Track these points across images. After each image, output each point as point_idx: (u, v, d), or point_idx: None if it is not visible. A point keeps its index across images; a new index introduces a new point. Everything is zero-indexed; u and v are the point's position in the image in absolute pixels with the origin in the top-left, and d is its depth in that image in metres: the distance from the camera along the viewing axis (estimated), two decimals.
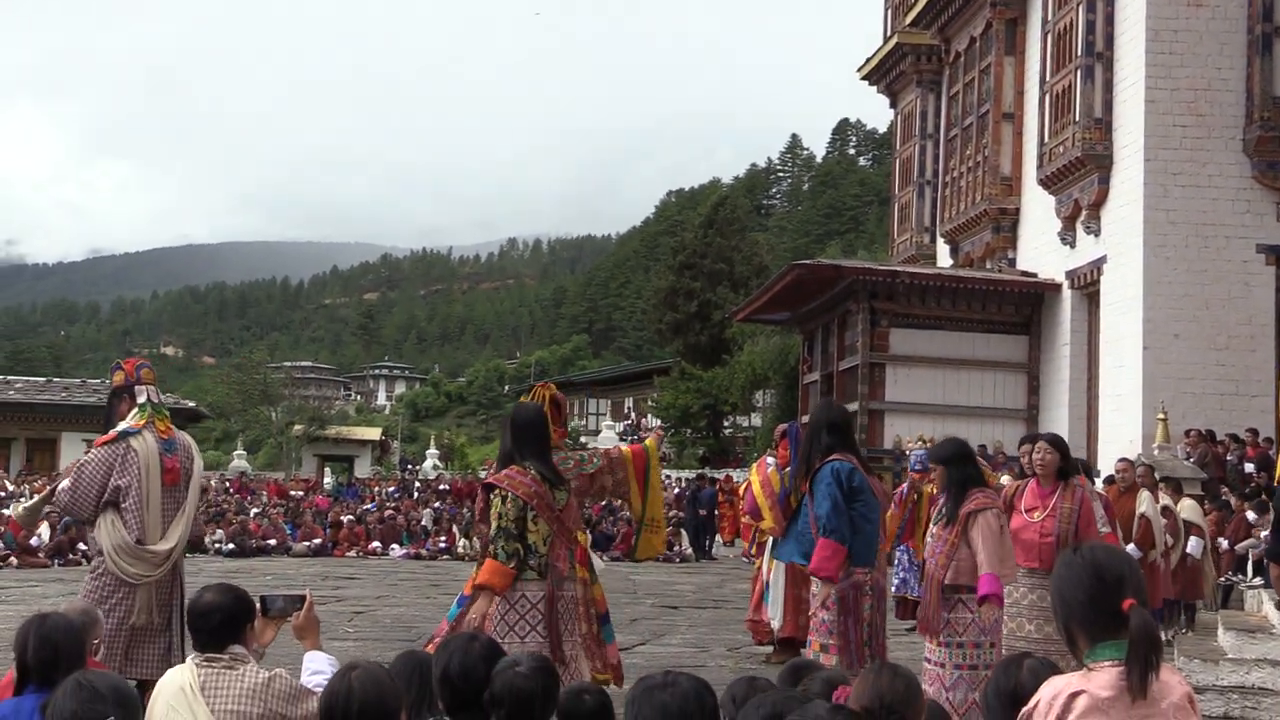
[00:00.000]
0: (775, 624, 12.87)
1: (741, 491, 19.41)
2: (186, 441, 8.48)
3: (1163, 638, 3.86)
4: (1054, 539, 8.59)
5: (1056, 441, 9.12)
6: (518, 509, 7.06)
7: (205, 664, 4.82)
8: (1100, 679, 3.57)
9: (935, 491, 8.85)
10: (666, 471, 50.95)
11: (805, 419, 32.25)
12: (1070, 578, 3.72)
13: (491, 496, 7.21)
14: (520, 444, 7.30)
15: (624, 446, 9.12)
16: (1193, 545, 14.73)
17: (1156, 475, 15.85)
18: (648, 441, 9.09)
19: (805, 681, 4.62)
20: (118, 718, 3.72)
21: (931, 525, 8.37)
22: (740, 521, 17.06)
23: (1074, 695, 3.57)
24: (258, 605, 5.38)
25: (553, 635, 7.17)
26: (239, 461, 62.30)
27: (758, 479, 13.09)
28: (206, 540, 30.01)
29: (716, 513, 32.61)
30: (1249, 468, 20.18)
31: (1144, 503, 14.00)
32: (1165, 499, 14.76)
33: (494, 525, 7.11)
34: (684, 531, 32.27)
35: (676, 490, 40.53)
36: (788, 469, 13.46)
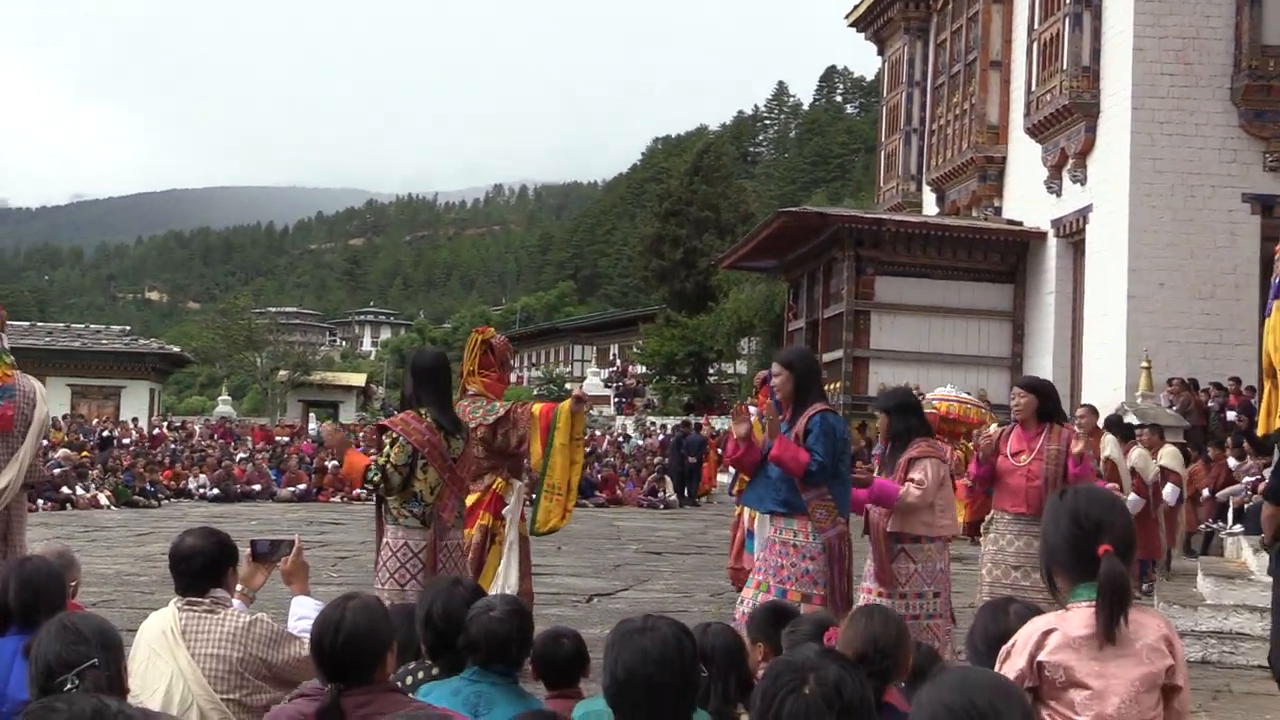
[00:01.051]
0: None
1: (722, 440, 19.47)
2: (29, 387, 8.25)
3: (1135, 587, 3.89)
4: (1041, 482, 8.58)
5: (1032, 384, 9.11)
6: (406, 455, 6.93)
7: (187, 608, 4.84)
8: (1075, 618, 3.62)
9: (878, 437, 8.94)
10: (653, 419, 51.03)
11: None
12: (1051, 521, 3.77)
13: (383, 438, 7.09)
14: (420, 389, 7.17)
15: (536, 405, 9.00)
16: (1168, 492, 14.75)
17: (1100, 423, 15.79)
18: (563, 404, 9.01)
19: (793, 624, 4.65)
20: (101, 660, 3.72)
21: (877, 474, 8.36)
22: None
23: (1047, 633, 3.64)
24: (247, 549, 5.40)
25: None
26: (224, 407, 62.25)
27: None
28: (191, 484, 30.08)
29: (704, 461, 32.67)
30: (1230, 415, 20.26)
31: (1108, 446, 14.00)
32: (1137, 455, 14.64)
33: (378, 460, 6.99)
34: (668, 478, 32.37)
35: (661, 437, 40.64)
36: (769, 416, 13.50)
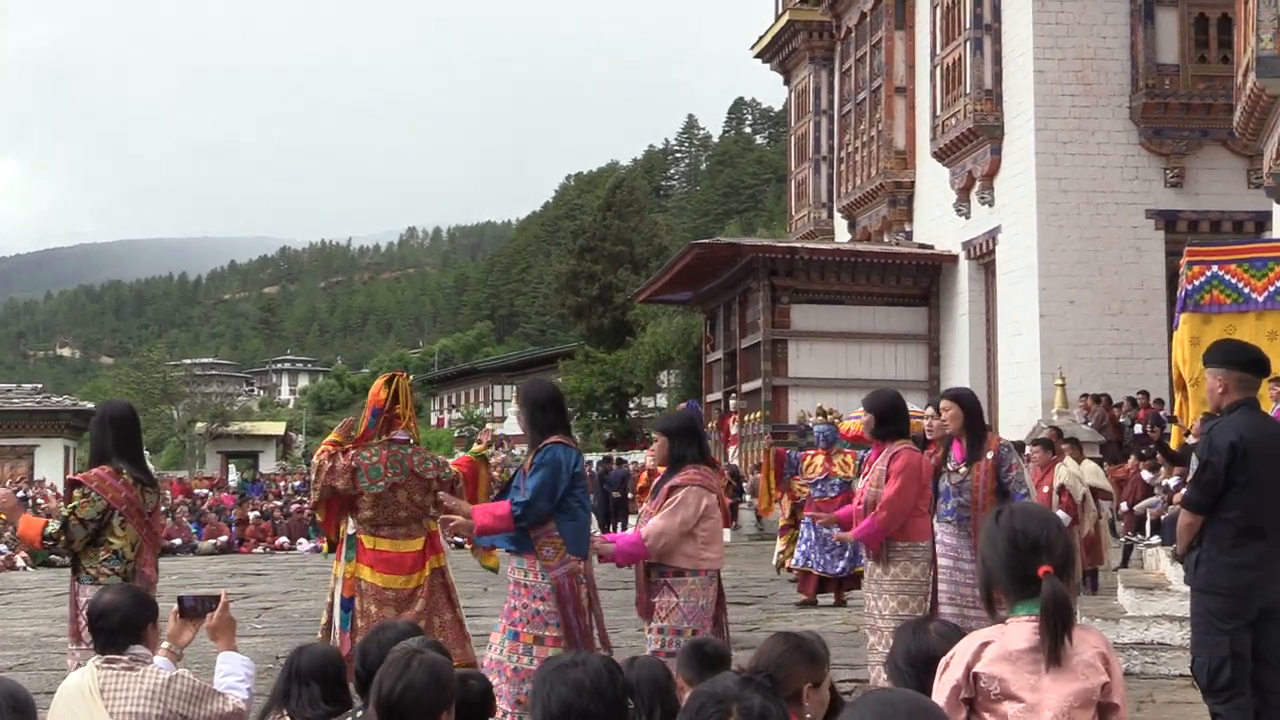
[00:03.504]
0: None
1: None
2: None
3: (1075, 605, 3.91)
4: (863, 505, 8.34)
5: (869, 403, 8.61)
6: (95, 510, 6.78)
7: (105, 665, 4.78)
8: (1015, 633, 3.65)
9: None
10: None
11: (696, 401, 32.40)
12: (989, 543, 3.78)
13: (75, 493, 6.91)
14: (114, 442, 7.00)
15: (453, 462, 8.77)
16: (1106, 508, 14.91)
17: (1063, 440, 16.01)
18: (474, 448, 8.93)
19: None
20: None
21: (646, 502, 8.06)
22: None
23: (984, 644, 3.65)
24: (175, 606, 5.33)
25: None
26: None
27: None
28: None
29: (630, 495, 32.61)
30: (1138, 429, 20.56)
31: (1061, 475, 14.14)
32: (1070, 464, 14.83)
33: (65, 512, 6.82)
34: (594, 515, 32.29)
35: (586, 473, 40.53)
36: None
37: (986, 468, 8.46)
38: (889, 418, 8.45)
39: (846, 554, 15.47)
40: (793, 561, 16.29)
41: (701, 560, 7.47)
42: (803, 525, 16.03)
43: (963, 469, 8.52)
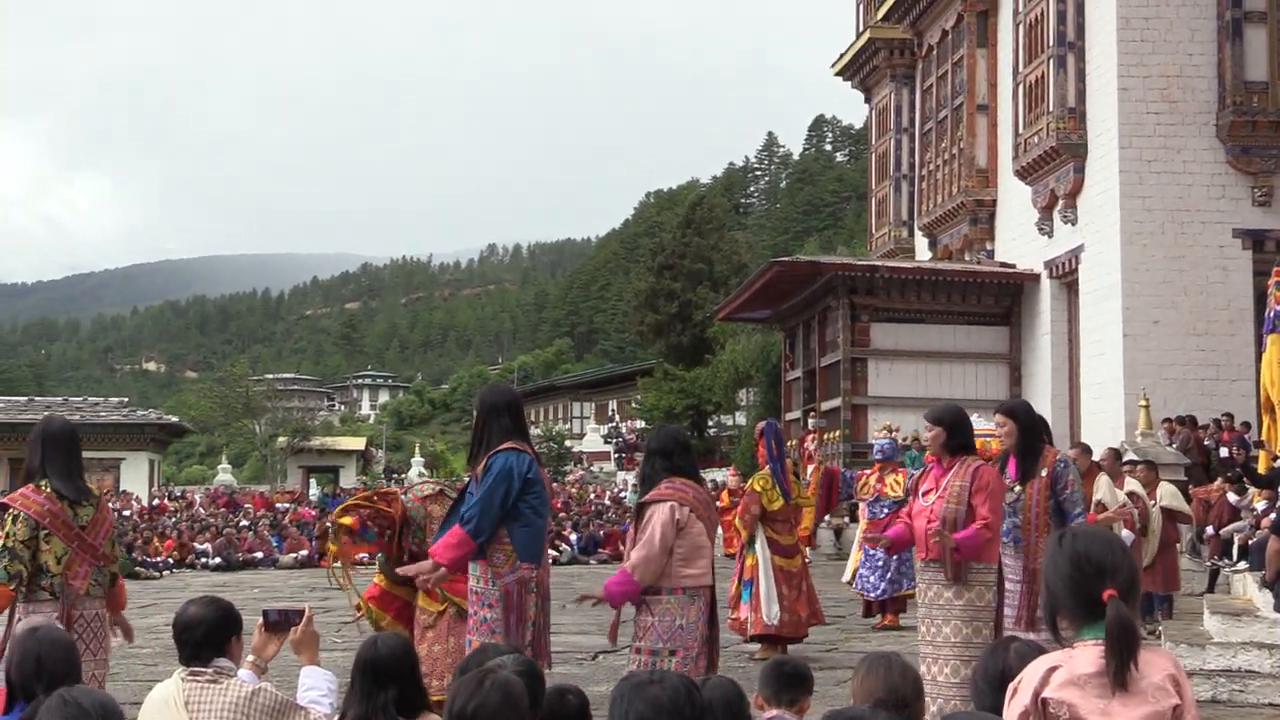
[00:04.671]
0: (770, 620, 12.96)
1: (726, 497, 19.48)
2: None
3: (1141, 628, 3.86)
4: (940, 523, 7.88)
5: (936, 415, 8.24)
6: (29, 529, 6.82)
7: (190, 678, 4.82)
8: (1082, 656, 3.62)
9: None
10: None
11: (784, 417, 32.29)
12: (1053, 566, 3.76)
13: (4, 517, 6.92)
14: (45, 461, 7.02)
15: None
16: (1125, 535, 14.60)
17: (1123, 460, 15.79)
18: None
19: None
20: None
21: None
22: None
23: (1052, 669, 3.63)
24: (260, 619, 5.38)
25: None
26: (224, 475, 62.19)
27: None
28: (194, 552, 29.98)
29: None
30: (1224, 452, 20.26)
31: (1101, 489, 13.91)
32: (1134, 484, 14.59)
33: (4, 543, 6.83)
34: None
35: None
36: (767, 468, 13.53)
37: (1040, 486, 8.20)
38: (957, 430, 8.12)
39: (889, 575, 15.39)
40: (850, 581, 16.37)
41: (681, 578, 7.25)
42: (863, 552, 15.96)
43: (1017, 488, 8.25)
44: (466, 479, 7.65)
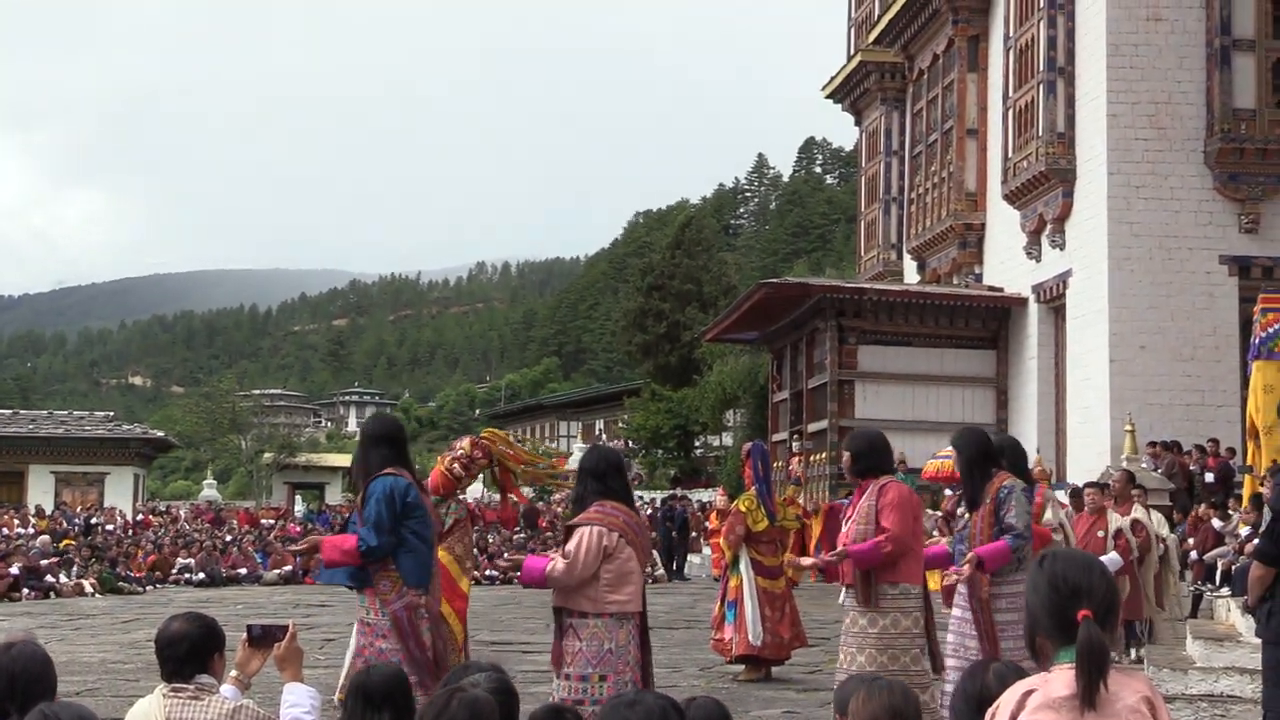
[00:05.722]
0: (754, 641, 12.94)
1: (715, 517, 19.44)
2: None
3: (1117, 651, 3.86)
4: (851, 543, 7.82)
5: (846, 441, 8.27)
6: None
7: (172, 694, 4.80)
8: (1058, 680, 3.63)
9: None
10: (639, 493, 50.93)
11: (771, 439, 32.30)
12: (1033, 588, 3.77)
13: None
14: None
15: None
16: (1110, 559, 14.52)
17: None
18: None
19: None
20: None
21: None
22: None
23: (1028, 693, 3.64)
24: (244, 635, 5.35)
25: None
26: (209, 491, 61.94)
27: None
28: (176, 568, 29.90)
29: (692, 533, 32.60)
30: (1209, 478, 20.31)
31: (1114, 522, 13.89)
32: (1141, 511, 14.54)
33: None
34: (656, 553, 32.24)
35: (649, 511, 40.53)
36: (753, 489, 13.51)
37: (985, 513, 8.00)
38: (864, 454, 8.05)
39: None
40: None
41: (606, 603, 7.14)
42: None
43: (966, 516, 8.17)
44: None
